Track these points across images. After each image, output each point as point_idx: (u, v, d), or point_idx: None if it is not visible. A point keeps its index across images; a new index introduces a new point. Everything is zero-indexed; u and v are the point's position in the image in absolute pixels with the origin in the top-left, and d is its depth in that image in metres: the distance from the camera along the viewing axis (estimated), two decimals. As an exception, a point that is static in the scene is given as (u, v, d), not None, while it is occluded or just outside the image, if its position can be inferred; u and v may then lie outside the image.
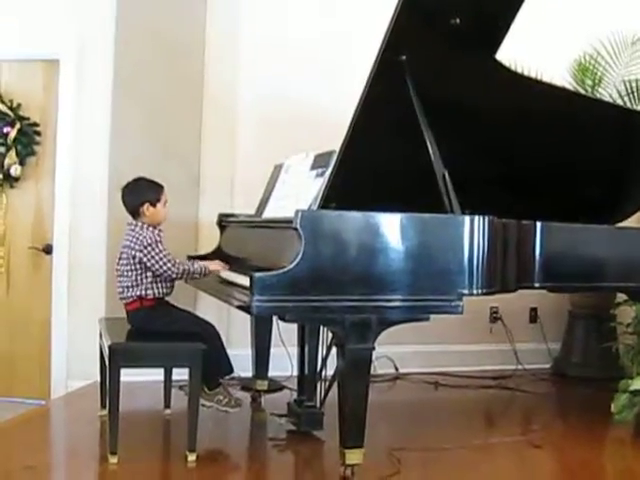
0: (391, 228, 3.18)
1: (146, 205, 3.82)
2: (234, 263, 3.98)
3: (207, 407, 3.79)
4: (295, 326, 4.22)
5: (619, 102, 5.48)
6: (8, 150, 5.14)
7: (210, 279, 3.91)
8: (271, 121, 5.35)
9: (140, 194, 3.84)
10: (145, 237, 3.73)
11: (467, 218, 3.28)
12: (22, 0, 5.11)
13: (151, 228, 3.80)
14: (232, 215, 4.73)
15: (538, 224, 3.66)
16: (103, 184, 5.04)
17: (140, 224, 3.81)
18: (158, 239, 3.76)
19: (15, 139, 5.14)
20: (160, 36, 5.16)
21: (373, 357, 3.23)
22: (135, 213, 3.85)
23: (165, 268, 3.71)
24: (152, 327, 3.76)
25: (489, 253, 3.30)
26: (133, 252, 3.74)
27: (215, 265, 3.91)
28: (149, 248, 3.71)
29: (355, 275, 3.12)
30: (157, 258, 3.71)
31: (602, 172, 4.26)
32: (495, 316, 5.89)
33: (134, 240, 3.75)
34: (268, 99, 5.37)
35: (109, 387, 3.54)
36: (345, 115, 3.48)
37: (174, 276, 3.78)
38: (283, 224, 3.38)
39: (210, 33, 5.36)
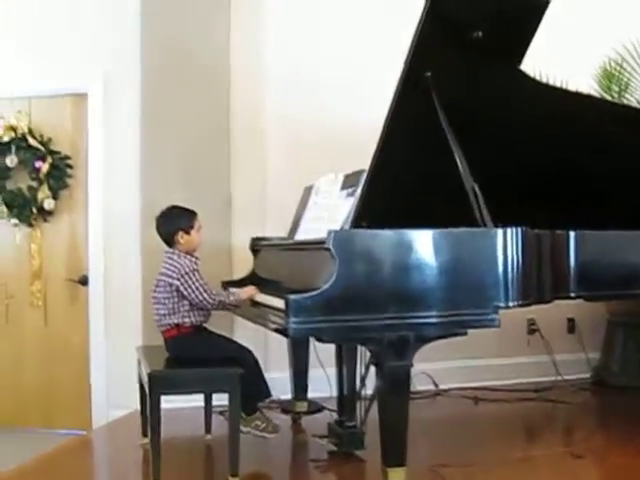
0: (424, 244, 3.17)
1: (180, 233, 3.85)
2: (269, 286, 3.97)
3: (244, 432, 3.76)
4: (332, 346, 4.22)
5: (646, 107, 5.45)
6: (41, 184, 5.22)
7: (246, 303, 3.91)
8: (300, 142, 5.39)
9: (173, 222, 3.88)
10: (182, 265, 3.76)
11: (500, 230, 3.25)
12: (48, 36, 5.21)
13: (188, 256, 3.83)
14: (264, 239, 4.74)
15: (572, 233, 3.64)
16: (135, 213, 5.09)
17: (177, 252, 3.83)
18: (195, 267, 3.78)
19: (47, 173, 5.21)
20: (185, 63, 5.20)
21: (411, 374, 3.21)
22: (170, 241, 3.88)
23: (201, 298, 3.73)
24: (190, 354, 3.77)
25: (523, 264, 3.27)
26: (170, 280, 3.76)
27: (248, 292, 3.88)
28: (186, 277, 3.73)
29: (390, 293, 3.11)
30: (193, 287, 3.73)
31: (633, 177, 4.23)
32: (532, 328, 5.83)
33: (171, 268, 3.78)
34: (296, 120, 5.39)
35: (150, 415, 3.56)
36: (373, 134, 3.49)
37: (209, 307, 3.79)
38: (316, 245, 3.38)
39: (235, 56, 5.41)
